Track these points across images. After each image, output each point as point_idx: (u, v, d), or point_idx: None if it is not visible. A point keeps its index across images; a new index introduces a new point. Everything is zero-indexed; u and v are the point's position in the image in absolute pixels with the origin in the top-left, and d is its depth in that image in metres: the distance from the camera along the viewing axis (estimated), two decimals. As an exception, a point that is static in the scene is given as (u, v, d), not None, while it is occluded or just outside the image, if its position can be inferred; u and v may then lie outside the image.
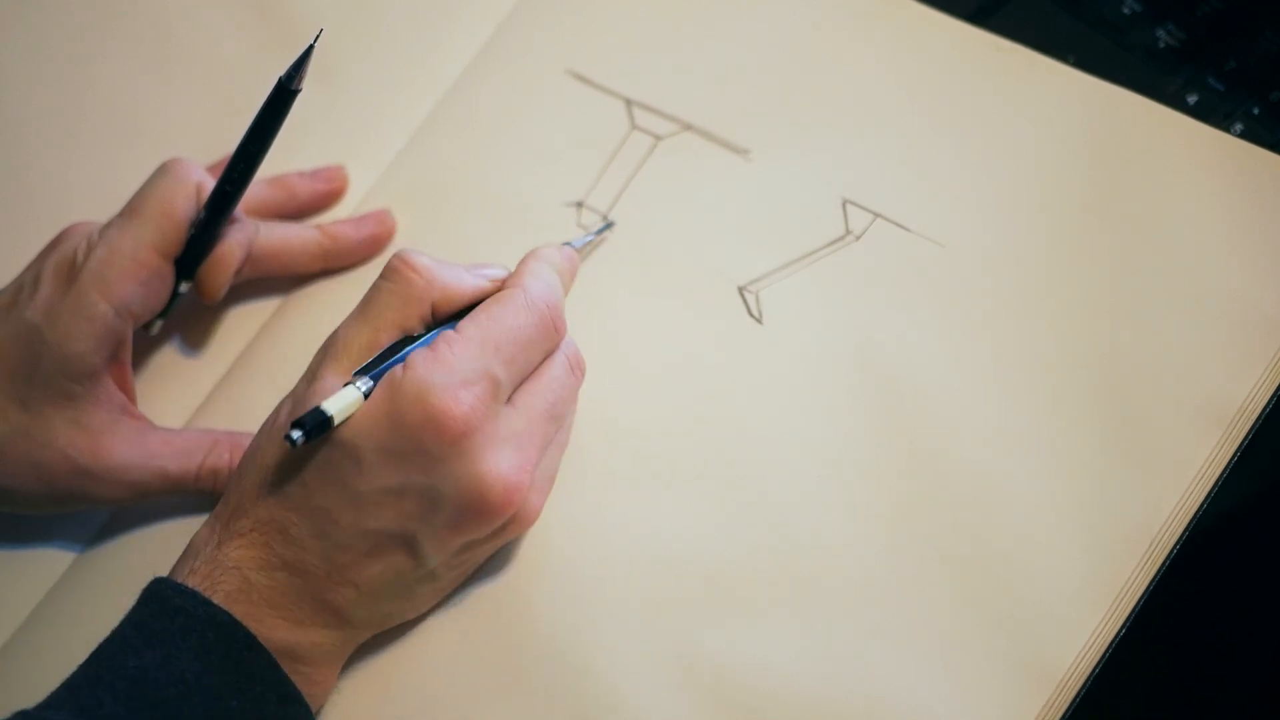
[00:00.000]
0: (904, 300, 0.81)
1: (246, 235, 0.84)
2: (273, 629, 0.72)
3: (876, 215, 0.83)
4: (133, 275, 0.80)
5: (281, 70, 0.78)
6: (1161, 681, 0.84)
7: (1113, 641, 0.73)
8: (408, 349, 0.74)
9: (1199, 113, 0.85)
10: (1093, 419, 0.77)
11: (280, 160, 0.85)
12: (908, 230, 0.82)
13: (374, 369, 0.73)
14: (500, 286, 0.78)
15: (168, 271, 0.82)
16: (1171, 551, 0.74)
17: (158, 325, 0.85)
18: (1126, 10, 0.89)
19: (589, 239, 0.85)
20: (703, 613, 0.76)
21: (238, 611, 0.72)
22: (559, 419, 0.77)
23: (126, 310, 0.80)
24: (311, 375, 0.75)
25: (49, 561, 0.84)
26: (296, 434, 0.70)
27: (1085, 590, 0.74)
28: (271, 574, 0.73)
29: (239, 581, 0.72)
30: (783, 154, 0.85)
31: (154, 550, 0.82)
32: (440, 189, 0.89)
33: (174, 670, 0.70)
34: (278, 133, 0.79)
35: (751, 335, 0.81)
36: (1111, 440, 0.76)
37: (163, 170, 0.82)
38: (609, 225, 0.85)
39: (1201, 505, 0.75)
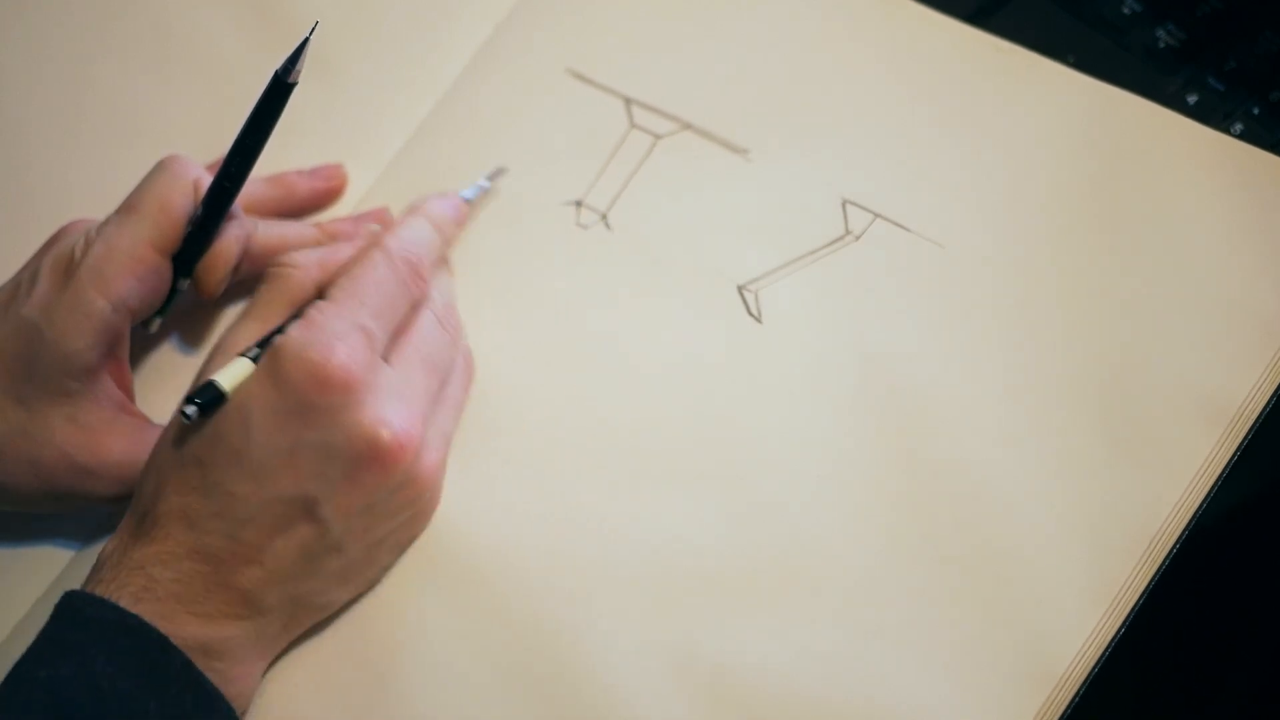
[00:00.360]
0: (903, 300, 0.81)
1: (245, 232, 0.84)
2: (183, 625, 0.72)
3: (876, 215, 0.83)
4: (130, 272, 0.80)
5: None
6: (1161, 681, 0.84)
7: (1112, 641, 0.73)
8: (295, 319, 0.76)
9: (1199, 113, 0.85)
10: (1092, 418, 0.77)
11: (279, 159, 0.85)
12: (907, 230, 0.82)
13: (265, 341, 0.75)
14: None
15: (166, 268, 0.81)
16: (1171, 551, 0.74)
17: (156, 322, 0.85)
18: (1126, 10, 0.90)
19: (481, 187, 0.86)
20: (702, 613, 0.76)
21: (146, 611, 0.72)
22: (438, 371, 0.78)
23: (124, 307, 0.80)
24: (199, 378, 0.76)
25: (47, 559, 0.84)
26: (190, 409, 0.72)
27: (1085, 589, 0.74)
28: (177, 565, 0.73)
29: (144, 580, 0.72)
30: (782, 153, 0.85)
31: (152, 548, 0.82)
32: (439, 188, 0.88)
33: (89, 679, 0.69)
34: (274, 127, 0.79)
35: (751, 335, 0.81)
36: (1111, 439, 0.76)
37: (160, 167, 0.82)
38: (501, 172, 0.86)
39: (1201, 505, 0.75)
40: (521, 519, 0.79)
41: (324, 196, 0.90)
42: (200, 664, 0.72)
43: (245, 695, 0.75)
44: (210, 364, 0.76)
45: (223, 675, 0.73)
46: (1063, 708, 0.73)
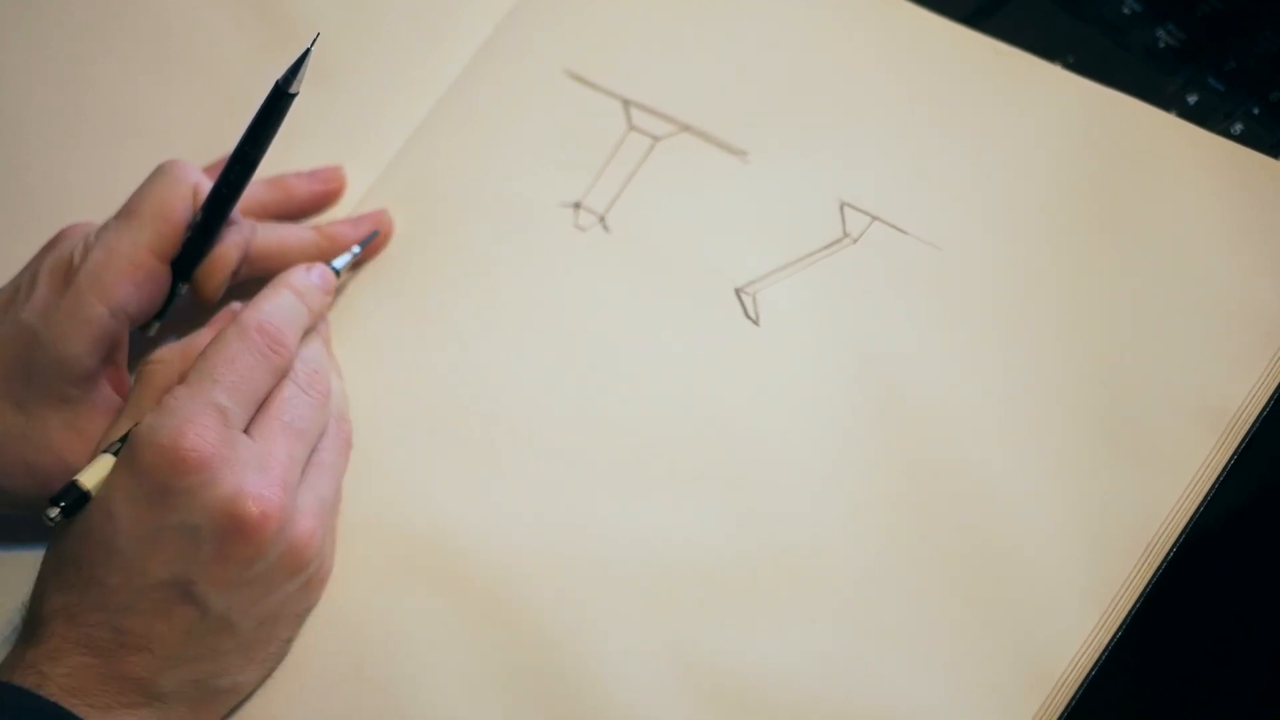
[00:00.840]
0: (901, 302, 0.81)
1: (244, 236, 0.84)
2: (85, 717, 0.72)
3: (874, 218, 0.83)
4: (129, 277, 0.80)
5: (280, 71, 0.78)
6: (1159, 683, 0.84)
7: (1110, 642, 0.73)
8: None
9: (1199, 113, 0.85)
10: (1091, 420, 0.77)
11: (278, 160, 0.85)
12: (905, 233, 0.82)
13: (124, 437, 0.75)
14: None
15: (164, 273, 0.82)
16: (1170, 552, 0.74)
17: (154, 327, 0.84)
18: (1126, 10, 0.89)
19: (354, 253, 0.86)
20: (701, 614, 0.76)
21: (44, 708, 0.71)
22: (303, 438, 0.77)
23: (123, 312, 0.80)
24: None
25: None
26: (54, 512, 0.73)
27: (1083, 590, 0.74)
28: (66, 660, 0.73)
29: (36, 678, 0.72)
30: (780, 156, 0.85)
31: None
32: (438, 189, 0.89)
33: None
34: (274, 136, 0.79)
35: (748, 337, 0.81)
36: (1110, 441, 0.76)
37: (160, 172, 0.82)
38: (372, 235, 0.86)
39: (1200, 506, 0.75)
40: (520, 520, 0.79)
41: (323, 198, 0.90)
42: None
43: None
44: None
45: None
46: (1061, 709, 0.73)
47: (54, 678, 0.72)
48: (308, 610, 0.78)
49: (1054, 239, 0.80)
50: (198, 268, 0.83)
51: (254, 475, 0.74)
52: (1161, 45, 0.88)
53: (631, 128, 0.88)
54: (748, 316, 0.82)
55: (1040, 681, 0.73)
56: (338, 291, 0.87)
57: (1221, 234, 0.79)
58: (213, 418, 0.74)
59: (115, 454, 0.75)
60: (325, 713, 0.76)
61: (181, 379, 0.77)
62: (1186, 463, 0.75)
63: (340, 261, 0.85)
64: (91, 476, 0.74)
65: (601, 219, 0.86)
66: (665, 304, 0.83)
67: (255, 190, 0.86)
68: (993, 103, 0.84)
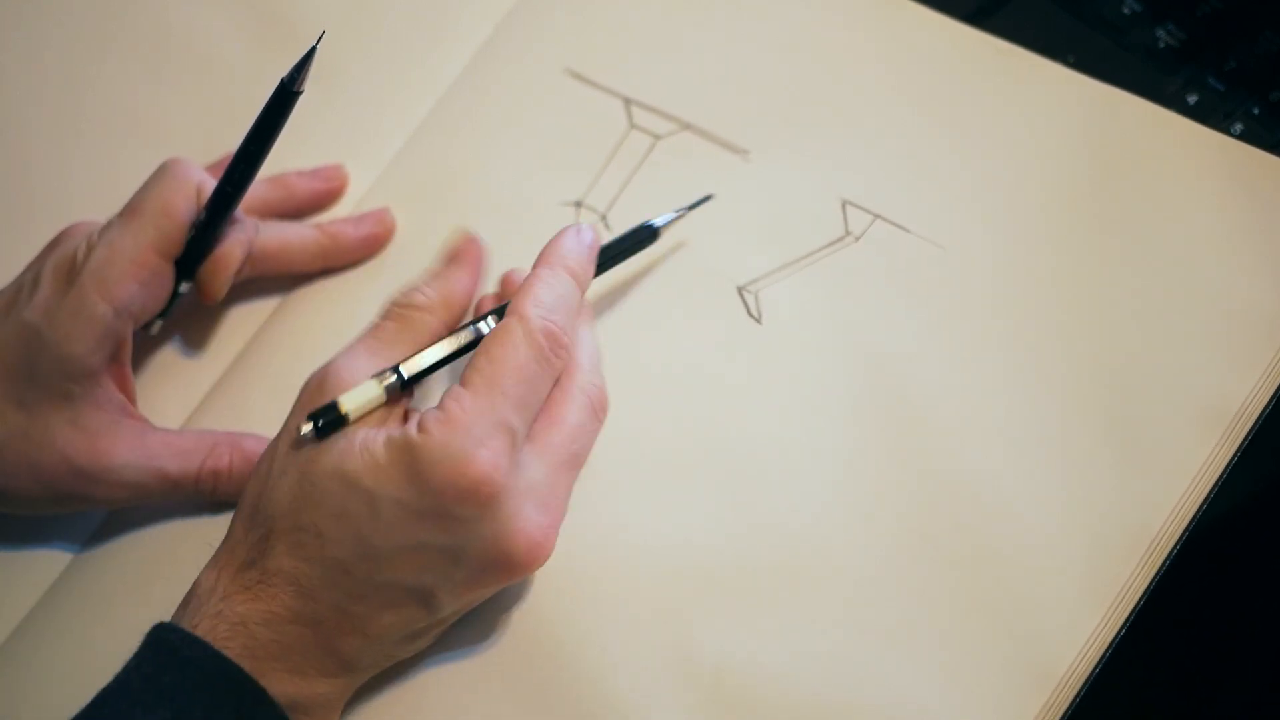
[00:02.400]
0: (903, 301, 0.81)
1: (247, 235, 0.84)
2: (276, 682, 0.71)
3: (876, 216, 0.83)
4: (132, 276, 0.80)
5: (281, 71, 0.78)
6: (1161, 682, 0.84)
7: (1112, 642, 0.73)
8: (431, 347, 0.74)
9: (1199, 113, 0.85)
10: (1093, 420, 0.77)
11: (280, 159, 0.85)
12: (907, 231, 0.82)
13: (396, 368, 0.73)
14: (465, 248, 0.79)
15: (167, 272, 0.81)
16: (1171, 552, 0.74)
17: (157, 326, 0.85)
18: (1126, 10, 0.90)
19: (674, 217, 0.83)
20: (702, 613, 0.76)
21: (244, 666, 0.70)
22: (580, 466, 0.76)
23: (126, 311, 0.80)
24: (304, 411, 0.73)
25: (46, 562, 0.84)
26: (307, 428, 0.70)
27: (1084, 591, 0.74)
28: (279, 628, 0.71)
29: (245, 638, 0.71)
30: (782, 154, 0.85)
31: (151, 552, 0.82)
32: (439, 188, 0.89)
33: None
34: (279, 134, 0.79)
35: (751, 336, 0.81)
36: (1111, 440, 0.76)
37: (163, 170, 0.82)
38: (707, 198, 0.84)
39: (1201, 506, 0.75)
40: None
41: (324, 197, 0.90)
42: (290, 718, 0.71)
43: None
44: (317, 393, 0.74)
45: None
46: (1063, 709, 0.73)
47: (264, 642, 0.71)
48: None
49: (1056, 237, 0.81)
50: (201, 266, 0.83)
51: (535, 513, 0.72)
52: (1161, 45, 0.88)
53: (633, 126, 0.88)
54: (750, 315, 0.82)
55: (1042, 682, 0.73)
56: (337, 290, 0.87)
57: (1224, 233, 0.79)
58: (505, 442, 0.71)
59: (386, 387, 0.72)
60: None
61: (445, 328, 0.76)
62: (1188, 462, 0.75)
63: (664, 220, 0.82)
64: (353, 400, 0.72)
65: (603, 218, 0.86)
66: (667, 303, 0.83)
67: (257, 189, 0.86)
68: (994, 101, 0.84)
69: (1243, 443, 0.76)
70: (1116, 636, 0.73)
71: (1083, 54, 0.87)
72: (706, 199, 0.83)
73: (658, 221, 0.82)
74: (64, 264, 0.80)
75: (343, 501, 0.71)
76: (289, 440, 0.73)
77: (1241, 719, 0.84)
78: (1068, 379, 0.78)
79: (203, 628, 0.71)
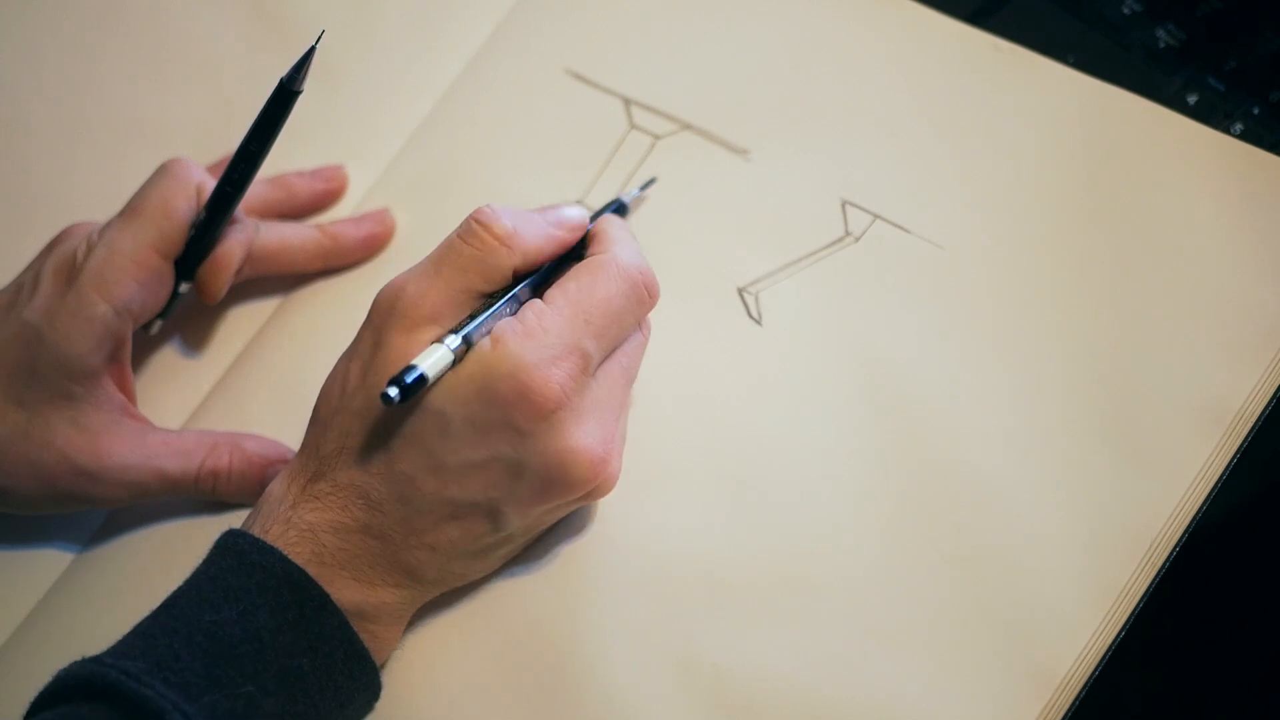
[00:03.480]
0: (903, 301, 0.81)
1: (246, 235, 0.84)
2: (342, 589, 0.72)
3: (876, 216, 0.83)
4: (132, 276, 0.80)
5: (281, 71, 0.78)
6: (1162, 683, 0.84)
7: (1113, 643, 0.73)
8: (493, 309, 0.73)
9: (1199, 113, 0.85)
10: (1093, 420, 0.77)
11: (280, 160, 0.85)
12: (907, 231, 0.82)
13: (461, 329, 0.72)
14: (579, 235, 0.77)
15: (167, 272, 0.82)
16: (1171, 553, 0.74)
17: (157, 325, 0.85)
18: (1126, 10, 0.89)
19: (634, 194, 0.85)
20: (702, 614, 0.76)
21: (310, 572, 0.72)
22: (632, 381, 0.77)
23: (126, 311, 0.80)
24: (377, 330, 0.73)
25: (47, 562, 0.84)
26: (394, 392, 0.70)
27: (1085, 592, 0.74)
28: (346, 536, 0.72)
29: (313, 545, 0.72)
30: (782, 154, 0.85)
31: (152, 551, 0.82)
32: (440, 188, 0.89)
33: (249, 627, 0.70)
34: (279, 134, 0.79)
35: (751, 337, 0.81)
36: (1111, 441, 0.76)
37: (163, 170, 0.82)
38: (651, 181, 0.85)
39: (1201, 506, 0.75)
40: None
41: (325, 198, 0.90)
42: (353, 625, 0.72)
43: (387, 651, 0.75)
44: (387, 323, 0.73)
45: (372, 635, 0.73)
46: (1064, 710, 0.73)
47: (331, 550, 0.72)
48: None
49: (1056, 237, 0.80)
50: (201, 266, 0.83)
51: (595, 427, 0.73)
52: (1161, 45, 0.88)
53: (632, 126, 0.88)
54: (750, 316, 0.82)
55: (1043, 683, 0.73)
56: (338, 291, 0.87)
57: (1224, 232, 0.79)
58: (577, 364, 0.72)
59: (454, 350, 0.71)
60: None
61: (514, 276, 0.74)
62: (1188, 463, 0.75)
63: (628, 196, 0.84)
64: (431, 365, 0.71)
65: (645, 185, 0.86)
66: (667, 304, 0.82)
67: (258, 189, 0.86)
68: (994, 100, 0.84)
69: (1243, 443, 0.76)
70: (1117, 637, 0.73)
71: (1083, 54, 0.87)
72: (651, 181, 0.85)
73: (625, 198, 0.84)
74: (64, 264, 0.80)
75: (413, 422, 0.72)
76: (361, 362, 0.73)
77: (1241, 719, 0.84)
78: (1068, 379, 0.78)
79: (272, 534, 0.72)
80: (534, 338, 0.71)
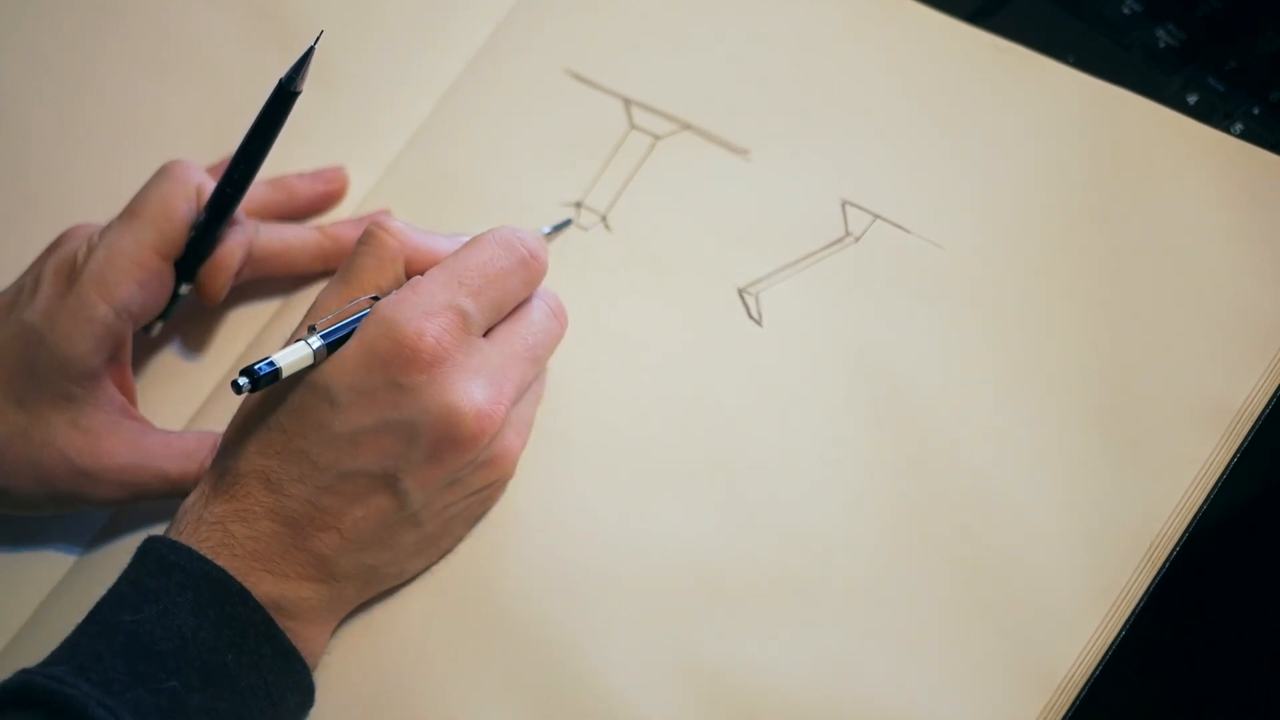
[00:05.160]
0: (904, 301, 0.81)
1: (247, 237, 0.84)
2: (258, 582, 0.73)
3: (876, 216, 0.83)
4: (133, 277, 0.80)
5: (281, 71, 0.78)
6: (1162, 683, 0.84)
7: (1113, 643, 0.73)
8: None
9: (1199, 113, 0.85)
10: (1093, 420, 0.77)
11: (280, 161, 0.86)
12: (907, 231, 0.82)
13: (330, 327, 0.74)
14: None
15: (168, 273, 0.82)
16: (1172, 553, 0.74)
17: (158, 327, 0.85)
18: (1126, 10, 0.89)
19: (548, 231, 0.85)
20: (701, 614, 0.76)
21: (225, 566, 0.72)
22: (537, 362, 0.78)
23: (126, 312, 0.80)
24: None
25: (49, 564, 0.84)
26: (243, 380, 0.71)
27: (1085, 592, 0.74)
28: (254, 524, 0.73)
29: (222, 535, 0.73)
30: (782, 154, 0.85)
31: (154, 552, 0.82)
32: (440, 189, 0.89)
33: (170, 625, 0.70)
34: (278, 135, 0.79)
35: (751, 337, 0.81)
36: (1111, 441, 0.76)
37: (163, 172, 0.82)
38: (566, 223, 0.86)
39: (1201, 506, 0.75)
40: (521, 522, 0.79)
41: (325, 199, 0.90)
42: (274, 618, 0.73)
43: (314, 655, 0.75)
44: (299, 328, 0.76)
45: (294, 634, 0.74)
46: (1064, 710, 0.73)
47: (240, 539, 0.73)
48: (482, 514, 0.79)
49: (1056, 237, 0.80)
50: (201, 268, 0.83)
51: (481, 385, 0.74)
52: (1161, 45, 0.88)
53: (633, 127, 0.88)
54: (750, 317, 0.82)
55: (1043, 683, 0.73)
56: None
57: (1225, 232, 0.79)
58: (453, 319, 0.74)
59: (314, 348, 0.73)
60: (348, 710, 0.77)
61: (408, 275, 0.77)
62: (1188, 463, 0.75)
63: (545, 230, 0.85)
64: (284, 358, 0.73)
65: (603, 218, 0.86)
66: (667, 304, 0.83)
67: (258, 191, 0.86)
68: (994, 99, 0.84)
69: (1243, 443, 0.75)
70: (1117, 638, 0.73)
71: (1083, 54, 0.87)
72: (566, 223, 0.86)
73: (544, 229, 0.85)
74: (64, 265, 0.80)
75: (303, 398, 0.73)
76: None
77: (1241, 719, 0.84)
78: (1068, 379, 0.78)
79: (185, 534, 0.74)
80: (406, 300, 0.74)
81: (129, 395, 0.82)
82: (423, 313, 0.73)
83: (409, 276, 0.77)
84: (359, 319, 0.74)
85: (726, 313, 0.82)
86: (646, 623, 0.76)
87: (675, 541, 0.77)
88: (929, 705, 0.73)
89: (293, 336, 0.75)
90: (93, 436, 0.80)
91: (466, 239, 0.78)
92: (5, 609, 0.83)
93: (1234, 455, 0.75)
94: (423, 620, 0.77)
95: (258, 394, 0.74)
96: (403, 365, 0.72)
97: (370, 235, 0.77)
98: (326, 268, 0.87)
